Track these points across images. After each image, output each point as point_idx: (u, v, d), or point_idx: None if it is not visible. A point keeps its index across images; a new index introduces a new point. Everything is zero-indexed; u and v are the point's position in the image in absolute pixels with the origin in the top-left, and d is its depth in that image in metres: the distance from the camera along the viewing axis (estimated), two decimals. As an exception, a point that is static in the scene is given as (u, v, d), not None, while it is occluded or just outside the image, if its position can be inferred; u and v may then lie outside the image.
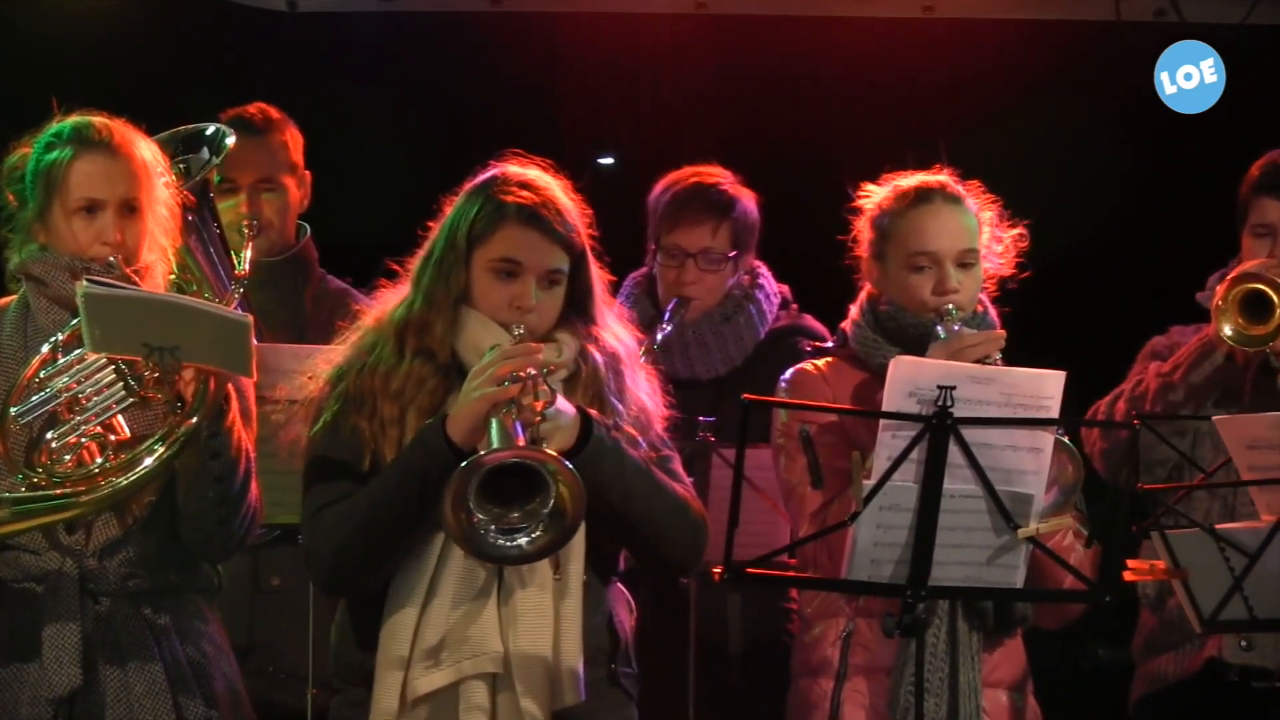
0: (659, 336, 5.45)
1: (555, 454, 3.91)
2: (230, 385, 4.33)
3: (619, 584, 4.36)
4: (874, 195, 4.68)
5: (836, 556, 4.15)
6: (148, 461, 4.26)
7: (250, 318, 4.24)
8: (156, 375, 4.24)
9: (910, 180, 4.64)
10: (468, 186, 4.30)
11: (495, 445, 3.93)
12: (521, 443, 3.92)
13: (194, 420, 4.27)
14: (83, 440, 4.28)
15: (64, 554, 4.35)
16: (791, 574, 4.57)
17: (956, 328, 4.44)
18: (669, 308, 5.63)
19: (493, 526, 3.90)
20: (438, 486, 3.92)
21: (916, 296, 4.54)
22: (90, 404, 4.29)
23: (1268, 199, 5.19)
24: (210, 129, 4.80)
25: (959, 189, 4.62)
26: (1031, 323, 4.74)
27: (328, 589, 4.40)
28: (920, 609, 4.08)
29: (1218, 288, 5.08)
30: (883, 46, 7.57)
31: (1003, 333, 4.44)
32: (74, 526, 4.35)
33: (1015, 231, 4.68)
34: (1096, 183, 7.40)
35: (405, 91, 7.63)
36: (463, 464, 3.87)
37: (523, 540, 3.91)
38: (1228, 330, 5.02)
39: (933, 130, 6.77)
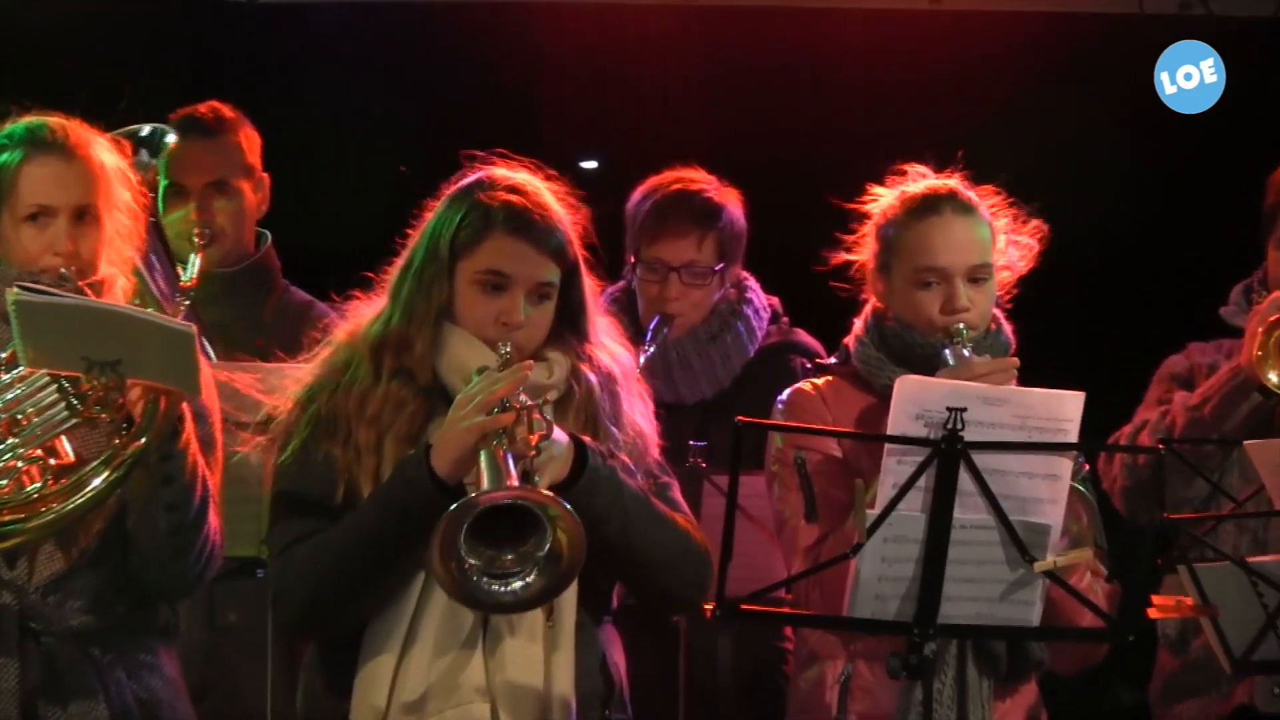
0: (642, 358, 5.33)
1: (554, 495, 3.89)
2: (186, 405, 4.29)
3: (611, 624, 4.33)
4: (880, 200, 4.65)
5: (831, 594, 4.14)
6: (94, 483, 4.22)
7: (194, 328, 4.19)
8: (101, 393, 4.21)
9: (917, 186, 4.61)
10: (451, 190, 4.28)
11: (486, 481, 3.90)
12: (514, 479, 3.90)
13: (142, 441, 4.23)
14: (19, 465, 4.24)
15: (3, 589, 4.31)
16: (789, 610, 4.52)
17: (966, 352, 4.41)
18: (651, 326, 5.58)
19: (484, 570, 3.88)
20: (420, 523, 3.91)
21: (924, 314, 4.51)
22: (30, 425, 4.24)
23: None
24: (146, 129, 4.75)
25: (970, 196, 4.59)
26: (1037, 335, 4.72)
27: (297, 631, 4.40)
28: (928, 649, 4.06)
29: (1254, 329, 5.01)
30: (885, 40, 7.58)
31: (1015, 360, 4.40)
32: (15, 558, 4.31)
33: (1033, 224, 4.66)
34: (1113, 185, 7.40)
35: (373, 87, 7.63)
36: (453, 507, 3.83)
37: (517, 585, 3.90)
38: (1273, 378, 4.97)
39: (938, 131, 6.75)
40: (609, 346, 4.34)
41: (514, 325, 4.16)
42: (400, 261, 4.28)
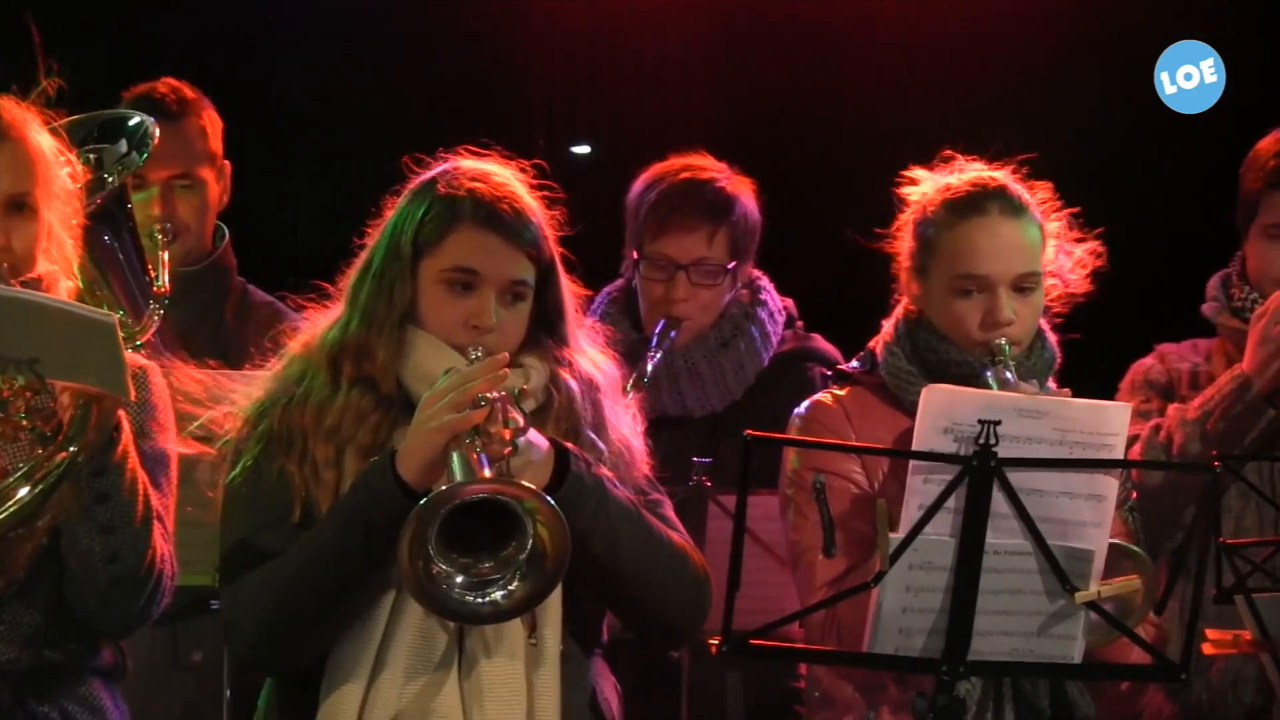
0: (648, 367, 5.38)
1: (531, 487, 3.85)
2: (123, 414, 4.22)
3: (602, 657, 4.30)
4: (919, 188, 4.60)
5: (850, 638, 4.12)
6: (17, 496, 4.10)
7: (114, 318, 4.09)
8: (26, 398, 4.12)
9: (963, 178, 4.55)
10: (413, 183, 4.25)
11: (459, 480, 3.87)
12: (489, 475, 3.86)
13: (69, 452, 4.11)
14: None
15: (-80, 625, 4.26)
16: (804, 646, 4.49)
17: (1009, 376, 4.35)
18: (655, 331, 5.53)
19: (459, 579, 3.85)
20: (386, 537, 3.87)
21: (962, 327, 4.48)
22: (-57, 437, 4.19)
23: None
24: (135, 119, 4.74)
25: (1020, 193, 4.53)
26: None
27: (251, 665, 4.33)
28: (960, 689, 4.03)
29: (1263, 332, 4.97)
30: (910, 8, 7.60)
31: (1067, 393, 4.35)
32: (-67, 590, 4.26)
33: (1089, 245, 4.64)
34: (1110, 183, 7.40)
35: (340, 66, 7.71)
36: (422, 501, 3.79)
37: (497, 594, 3.86)
38: None
39: (971, 109, 6.74)
40: (591, 354, 4.32)
41: (485, 328, 4.14)
42: (358, 263, 4.26)
